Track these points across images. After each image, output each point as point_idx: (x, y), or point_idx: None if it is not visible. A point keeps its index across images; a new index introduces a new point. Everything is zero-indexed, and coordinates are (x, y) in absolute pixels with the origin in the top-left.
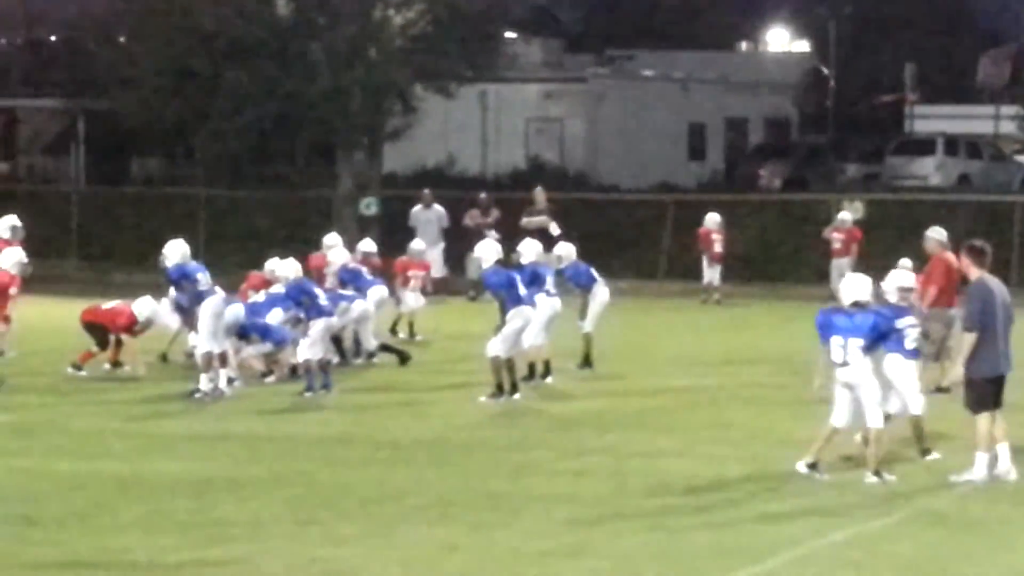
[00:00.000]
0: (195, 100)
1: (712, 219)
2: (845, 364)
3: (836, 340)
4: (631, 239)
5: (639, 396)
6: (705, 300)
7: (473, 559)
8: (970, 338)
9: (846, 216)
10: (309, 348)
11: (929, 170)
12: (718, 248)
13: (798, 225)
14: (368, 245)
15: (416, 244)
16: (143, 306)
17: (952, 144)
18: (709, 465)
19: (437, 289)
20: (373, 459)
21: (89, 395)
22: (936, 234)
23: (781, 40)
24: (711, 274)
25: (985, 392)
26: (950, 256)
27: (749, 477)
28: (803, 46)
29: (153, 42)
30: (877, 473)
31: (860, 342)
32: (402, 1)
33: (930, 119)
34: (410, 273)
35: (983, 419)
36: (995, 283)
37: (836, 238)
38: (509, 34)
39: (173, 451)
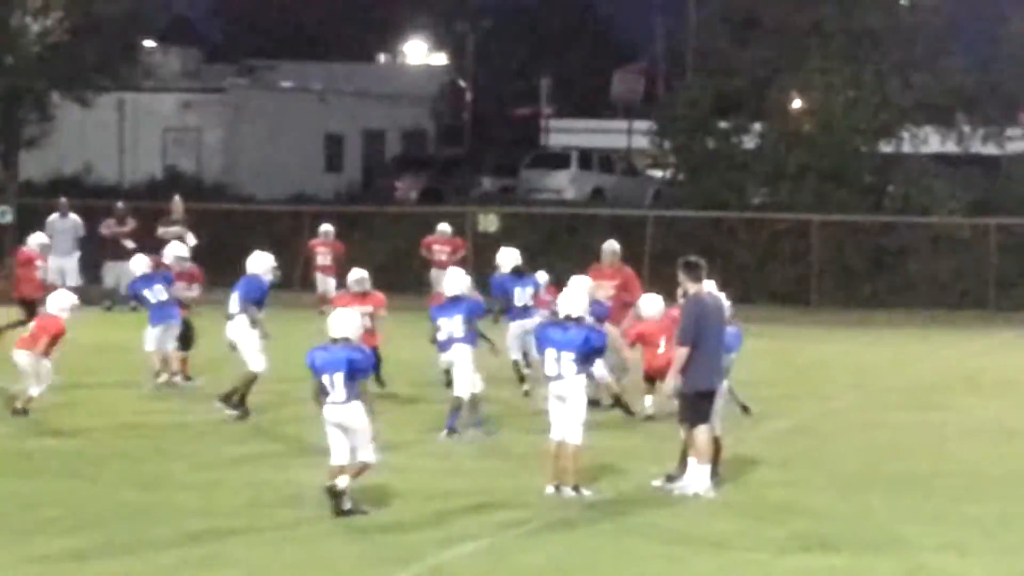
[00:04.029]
0: None
1: (321, 230)
2: (559, 377)
3: (550, 353)
4: (268, 250)
5: (272, 408)
6: (323, 311)
7: (106, 571)
8: (683, 352)
9: (446, 227)
10: None
11: (563, 184)
12: (320, 260)
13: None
14: (179, 250)
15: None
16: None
17: (586, 158)
18: None
19: None
20: (5, 470)
21: None
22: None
23: (419, 53)
24: (323, 285)
25: (700, 405)
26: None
27: (382, 488)
28: (441, 59)
29: None
30: (576, 488)
31: (572, 355)
32: (40, 8)
33: (565, 133)
34: None
35: (702, 431)
36: (710, 298)
37: (440, 249)
38: (148, 43)
39: None
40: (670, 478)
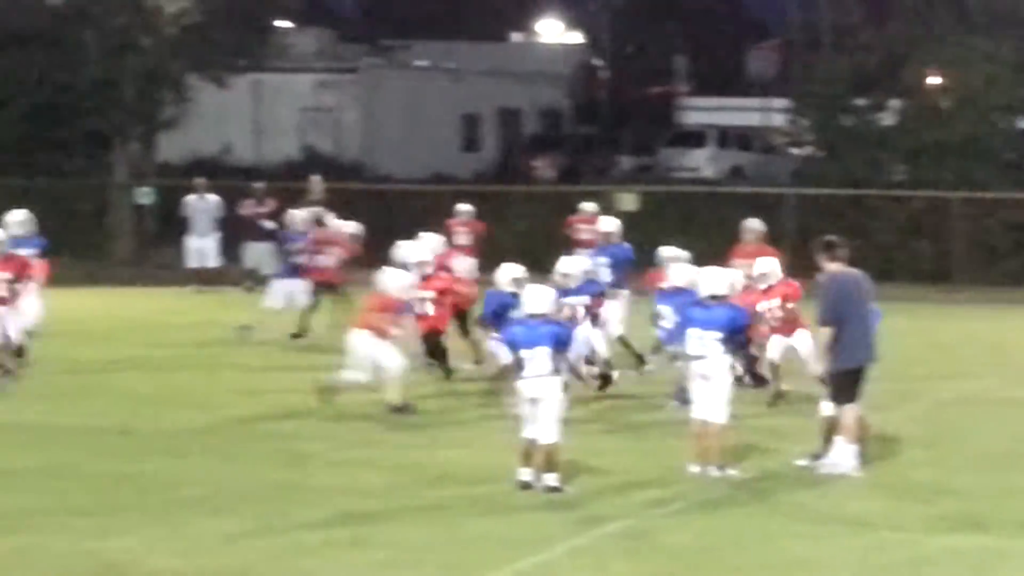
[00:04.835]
0: None
1: (458, 210)
2: (702, 357)
3: (694, 332)
4: (406, 230)
5: (418, 386)
6: None
7: (253, 549)
8: (825, 332)
9: (590, 206)
10: None
11: (701, 162)
12: (459, 240)
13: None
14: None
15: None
16: None
17: (724, 136)
18: (489, 455)
19: (212, 280)
20: (150, 450)
21: None
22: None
23: (554, 31)
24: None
25: (846, 384)
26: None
27: None
28: (576, 37)
29: None
30: (720, 467)
31: (717, 335)
32: None
33: (701, 111)
34: None
35: (849, 410)
36: (850, 276)
37: (584, 228)
38: (282, 23)
39: None
40: (815, 457)
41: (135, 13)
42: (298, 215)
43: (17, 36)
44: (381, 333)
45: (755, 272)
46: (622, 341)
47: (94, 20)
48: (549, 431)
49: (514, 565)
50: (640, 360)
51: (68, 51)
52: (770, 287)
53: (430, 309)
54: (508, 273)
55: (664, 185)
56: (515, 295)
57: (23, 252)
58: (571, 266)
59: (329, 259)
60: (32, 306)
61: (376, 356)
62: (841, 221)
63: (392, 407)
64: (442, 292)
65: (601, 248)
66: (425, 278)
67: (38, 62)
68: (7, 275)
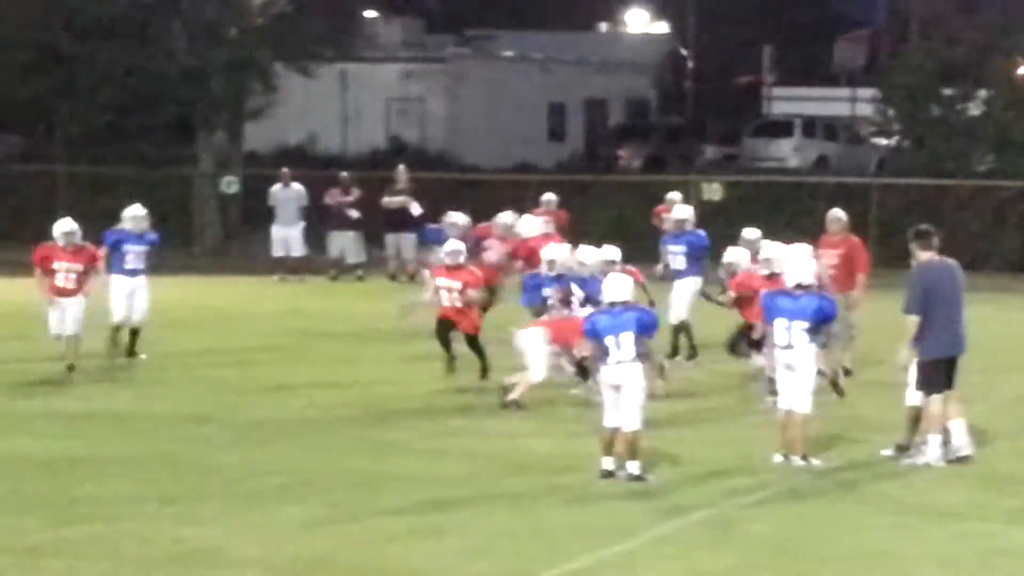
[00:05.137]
0: (56, 77)
1: (543, 199)
2: (788, 347)
3: (780, 322)
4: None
5: (498, 375)
6: None
7: (336, 537)
8: (912, 321)
9: (675, 196)
10: None
11: (787, 152)
12: (544, 229)
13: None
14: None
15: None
16: None
17: (810, 126)
18: (569, 444)
19: (297, 269)
20: (234, 439)
21: None
22: (845, 216)
23: (640, 21)
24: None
25: (934, 374)
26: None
27: None
28: (662, 27)
29: (13, 18)
30: (805, 457)
31: (805, 325)
32: None
33: (787, 101)
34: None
35: (935, 401)
36: (942, 265)
37: (668, 218)
38: (369, 13)
39: (32, 429)
40: (900, 448)
41: (223, 3)
42: (458, 218)
43: (105, 26)
44: (555, 343)
45: (760, 256)
46: (685, 328)
47: (182, 10)
48: (632, 419)
49: (596, 554)
50: (694, 351)
51: (156, 41)
52: (774, 274)
53: (456, 301)
54: (550, 253)
55: (749, 175)
56: (548, 275)
57: (137, 248)
58: (588, 255)
59: (490, 256)
60: (142, 299)
61: (531, 353)
62: (927, 211)
63: (508, 400)
64: (468, 284)
65: (675, 236)
66: (456, 268)
67: (126, 52)
68: (77, 266)
